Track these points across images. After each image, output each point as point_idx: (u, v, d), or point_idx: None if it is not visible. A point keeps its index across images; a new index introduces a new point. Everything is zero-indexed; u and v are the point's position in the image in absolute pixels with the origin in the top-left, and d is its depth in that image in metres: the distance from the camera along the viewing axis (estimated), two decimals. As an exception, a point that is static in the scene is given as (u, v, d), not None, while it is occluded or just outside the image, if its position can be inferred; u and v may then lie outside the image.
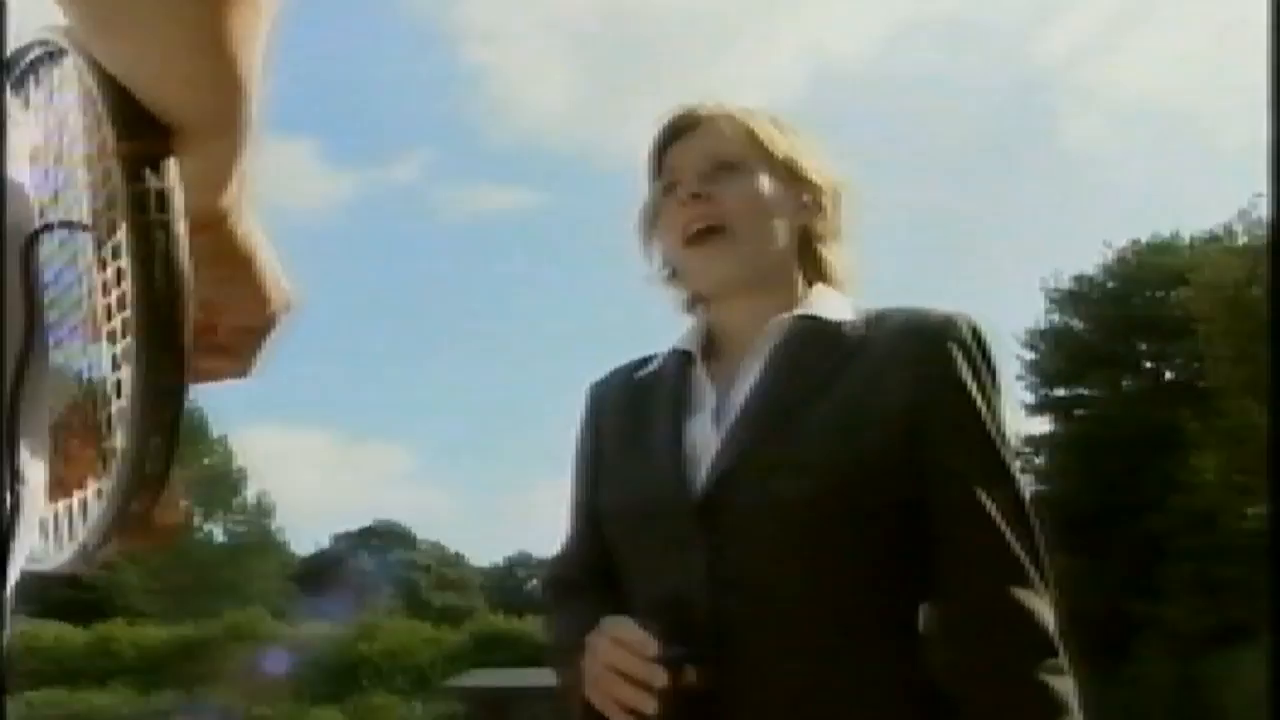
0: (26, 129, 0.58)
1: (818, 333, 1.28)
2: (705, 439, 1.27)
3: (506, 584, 48.69)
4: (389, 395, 67.34)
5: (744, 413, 1.25)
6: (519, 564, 50.70)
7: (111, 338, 0.54)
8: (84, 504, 0.56)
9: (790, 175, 1.33)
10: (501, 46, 66.70)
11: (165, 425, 0.52)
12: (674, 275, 1.41)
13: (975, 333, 1.25)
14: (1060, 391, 27.12)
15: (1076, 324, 27.09)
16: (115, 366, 0.53)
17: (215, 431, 37.68)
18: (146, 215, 0.51)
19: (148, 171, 0.51)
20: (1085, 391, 26.87)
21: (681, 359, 1.36)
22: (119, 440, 0.53)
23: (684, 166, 1.33)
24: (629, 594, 1.29)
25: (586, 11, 67.60)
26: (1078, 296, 27.10)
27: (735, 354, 1.33)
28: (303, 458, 65.54)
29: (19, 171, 0.57)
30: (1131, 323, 25.84)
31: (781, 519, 1.18)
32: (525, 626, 28.41)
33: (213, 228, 0.61)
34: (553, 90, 68.29)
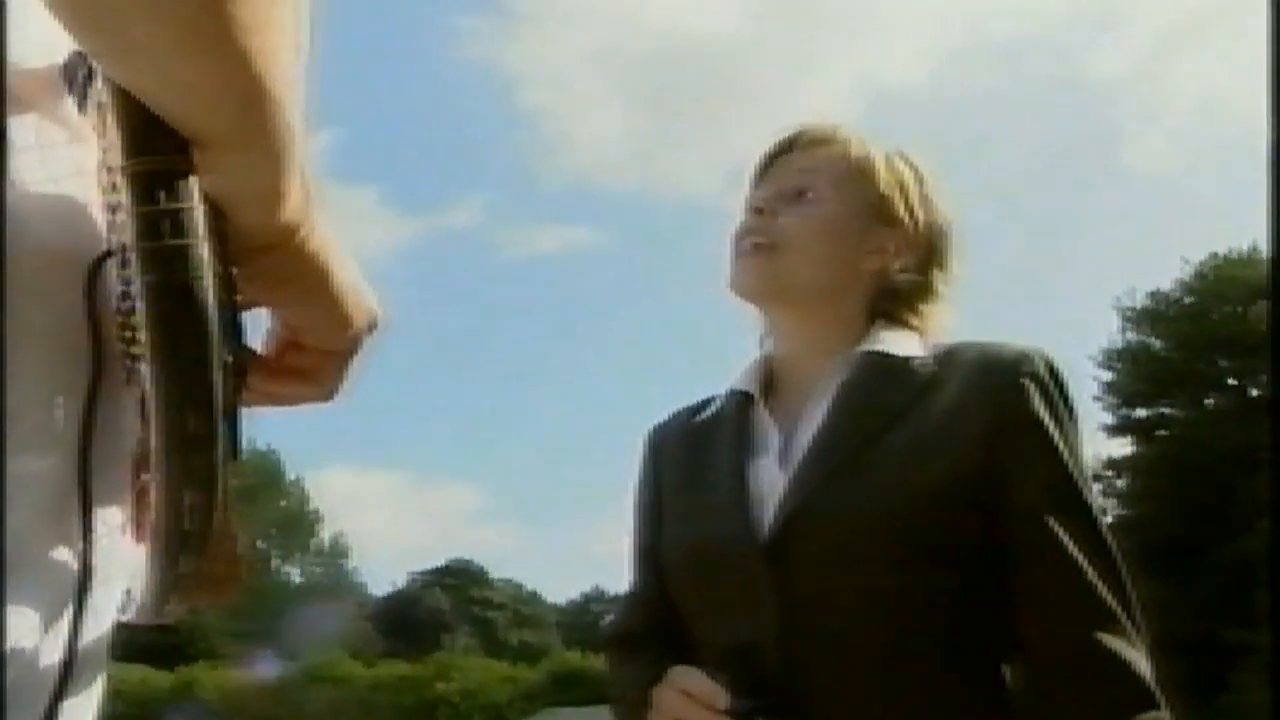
0: (91, 143, 0.51)
1: (886, 369, 1.23)
2: (771, 480, 1.22)
3: (582, 620, 48.56)
4: (458, 435, 67.98)
5: (811, 452, 1.20)
6: (594, 600, 50.58)
7: (133, 378, 0.49)
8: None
9: (877, 216, 1.28)
10: (557, 88, 67.44)
11: (199, 478, 0.46)
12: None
13: (1051, 368, 1.19)
14: (1140, 412, 26.54)
15: (1155, 342, 26.50)
16: (142, 414, 0.48)
17: (290, 474, 38.28)
18: (159, 240, 0.45)
19: (161, 192, 0.45)
20: (1166, 411, 26.24)
21: (741, 399, 1.31)
22: (153, 497, 0.48)
23: (772, 183, 1.31)
24: (696, 643, 1.24)
25: (639, 50, 68.06)
26: (1154, 314, 26.52)
27: (798, 392, 1.28)
28: (375, 499, 66.26)
29: (85, 189, 0.51)
30: (1213, 339, 25.18)
31: (854, 562, 1.13)
32: (601, 664, 28.20)
33: (279, 247, 0.54)
34: (609, 129, 68.81)
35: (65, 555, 0.49)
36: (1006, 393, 1.17)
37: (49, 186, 0.50)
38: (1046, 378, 1.18)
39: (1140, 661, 1.10)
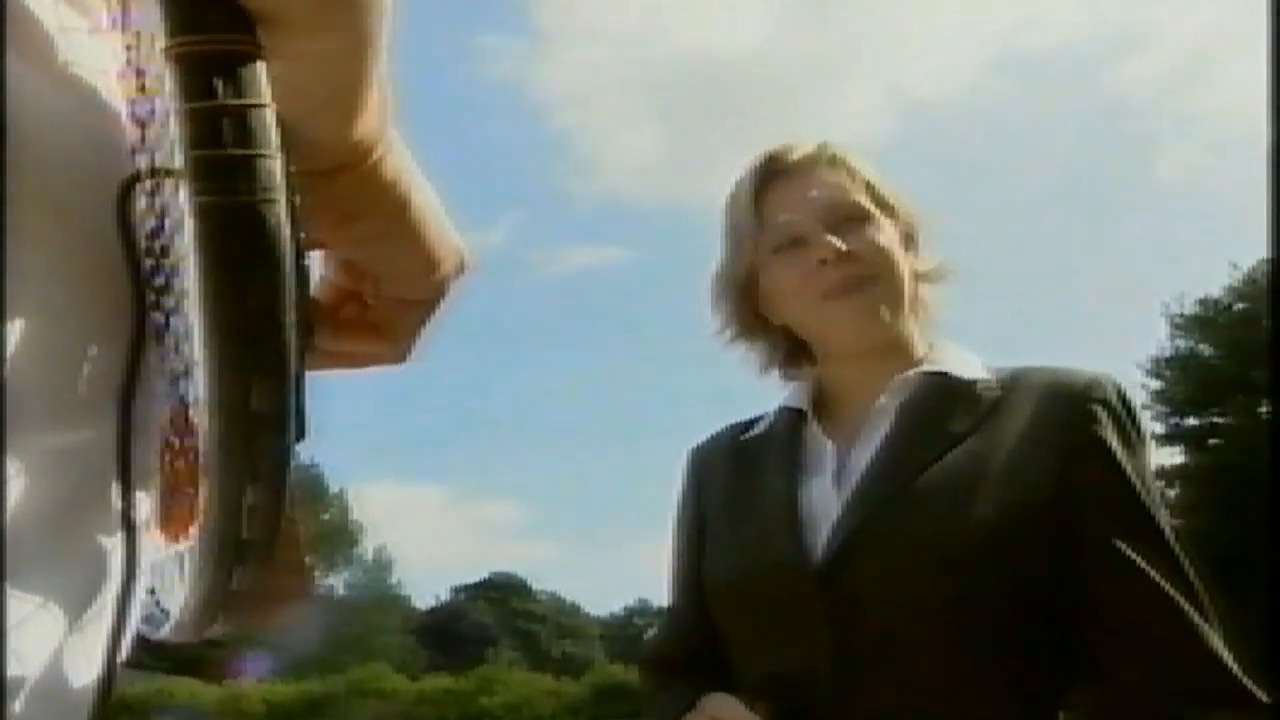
0: (112, 38, 0.41)
1: (949, 391, 1.18)
2: (825, 503, 1.16)
3: (625, 633, 48.50)
4: (498, 450, 68.24)
5: (869, 474, 1.14)
6: (638, 613, 50.49)
7: (162, 336, 0.40)
8: (182, 562, 0.42)
9: (894, 216, 1.24)
10: (587, 107, 67.75)
11: (264, 471, 0.37)
12: (756, 335, 1.30)
13: (1121, 395, 1.14)
14: (1192, 421, 26.10)
15: (1205, 349, 26.06)
16: (174, 381, 0.39)
17: (333, 486, 38.53)
18: (219, 147, 0.34)
19: (220, 81, 0.34)
20: (1219, 420, 25.78)
21: (793, 418, 1.25)
22: (203, 496, 0.38)
23: (800, 216, 1.21)
24: (738, 673, 1.18)
25: (669, 67, 68.21)
26: (1204, 320, 26.10)
27: (854, 411, 1.22)
28: (418, 513, 66.59)
29: (106, 94, 0.41)
30: (1265, 345, 24.72)
31: (912, 589, 1.06)
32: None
33: (348, 169, 0.44)
34: (639, 148, 69.04)
35: (97, 551, 0.39)
36: (1077, 420, 1.12)
37: (71, 85, 0.40)
38: (1117, 404, 1.14)
39: (1235, 684, 1.03)
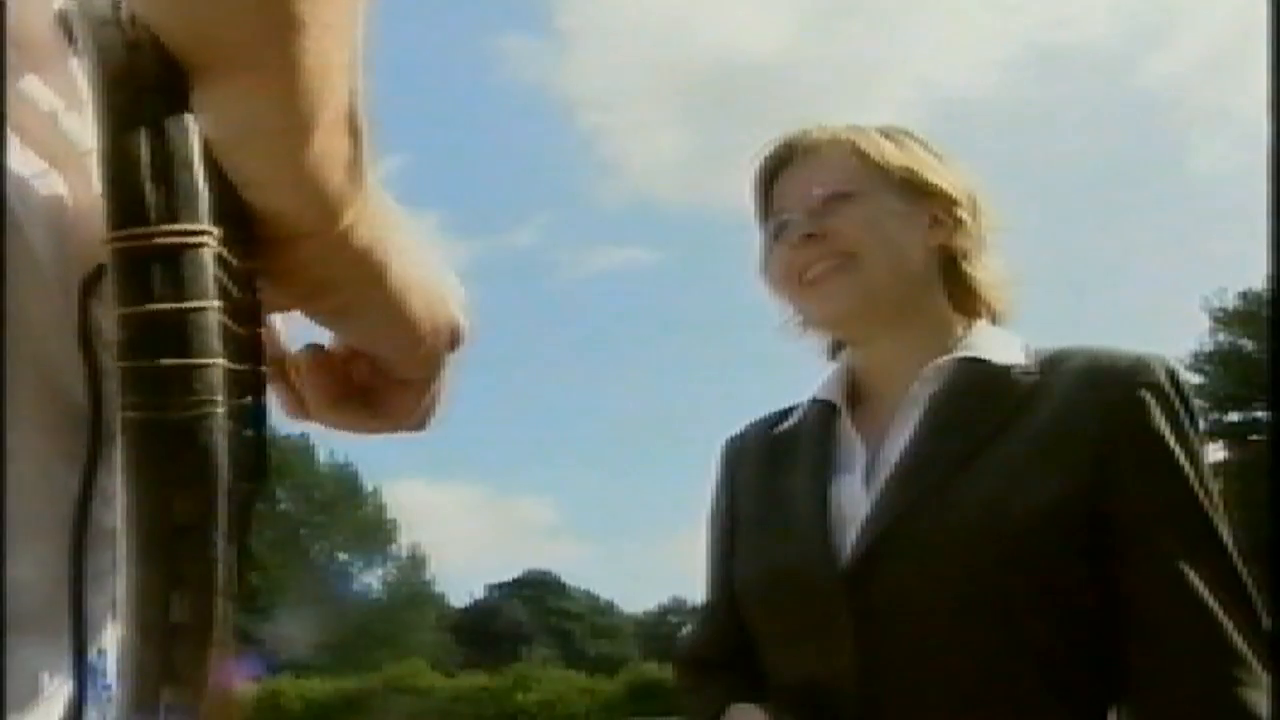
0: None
1: (983, 378, 1.11)
2: (854, 501, 1.11)
3: (660, 631, 48.46)
4: (531, 449, 68.47)
5: (899, 471, 1.09)
6: (672, 610, 50.46)
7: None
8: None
9: (913, 190, 1.17)
10: (612, 108, 67.64)
11: (185, 678, 0.33)
12: (806, 322, 1.27)
13: (1172, 376, 1.07)
14: (1233, 416, 25.75)
15: (1247, 343, 25.69)
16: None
17: (368, 485, 38.74)
18: (149, 357, 0.32)
19: (155, 280, 0.32)
20: (1261, 415, 25.40)
21: (824, 410, 1.21)
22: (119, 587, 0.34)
23: (792, 204, 1.19)
24: (770, 676, 1.15)
25: (694, 67, 67.87)
26: (1246, 314, 25.72)
27: (886, 403, 1.17)
28: (452, 511, 66.91)
29: (85, 171, 0.38)
30: (1308, 340, 24.37)
31: (943, 593, 1.02)
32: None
33: (315, 236, 0.39)
34: (665, 148, 68.77)
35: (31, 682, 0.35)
36: (1121, 407, 1.05)
37: (39, 179, 0.37)
38: (1168, 388, 1.06)
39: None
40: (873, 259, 1.14)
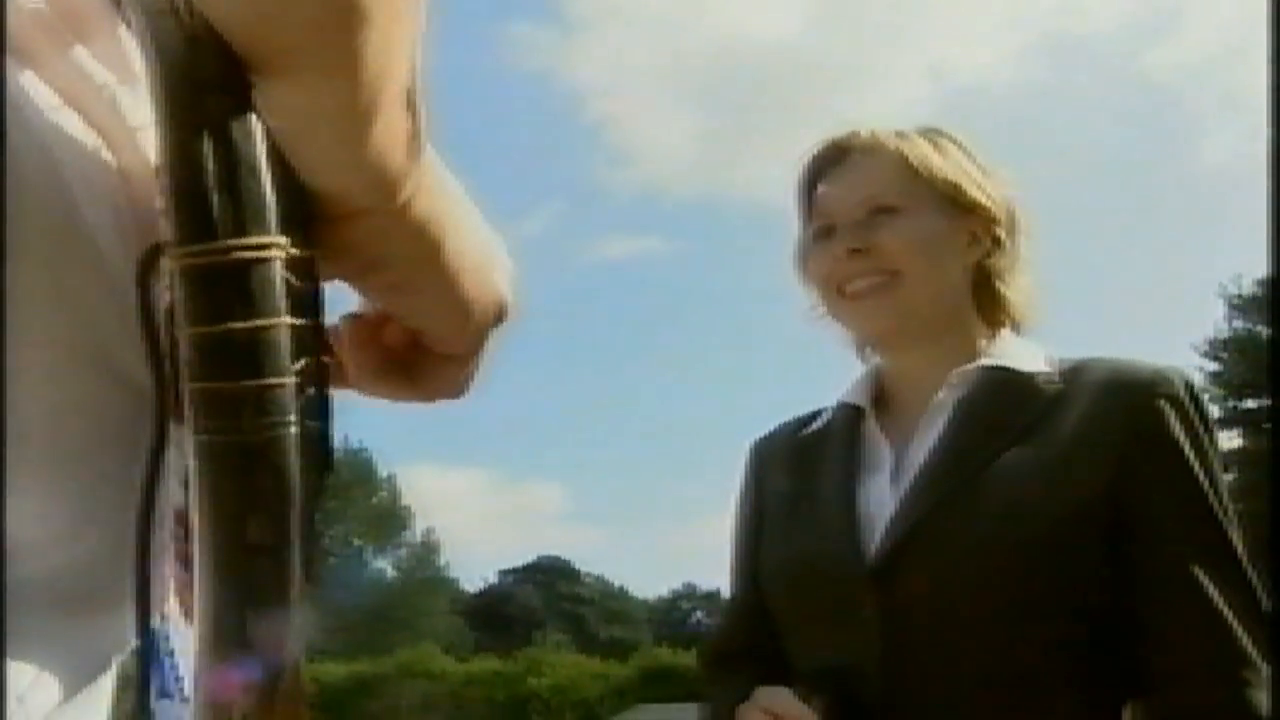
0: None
1: (1007, 386, 1.14)
2: (880, 500, 1.14)
3: (672, 617, 48.65)
4: (544, 436, 68.69)
5: (924, 472, 1.12)
6: (684, 596, 50.62)
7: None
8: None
9: (956, 207, 1.19)
10: (622, 97, 67.50)
11: (260, 588, 0.33)
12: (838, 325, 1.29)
13: (1189, 388, 1.11)
14: (1249, 403, 25.64)
15: (1264, 330, 25.56)
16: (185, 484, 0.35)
17: (383, 470, 38.92)
18: (223, 380, 0.31)
19: (226, 299, 0.31)
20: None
21: (851, 413, 1.24)
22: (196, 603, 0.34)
23: (838, 211, 1.20)
24: (793, 665, 1.18)
25: (704, 55, 67.71)
26: (1263, 301, 25.58)
27: (912, 407, 1.20)
28: (465, 497, 67.18)
29: (141, 148, 0.38)
30: (1325, 327, 24.24)
31: (964, 591, 1.05)
32: (691, 660, 28.25)
33: (369, 214, 0.39)
34: (675, 137, 68.65)
35: (100, 645, 0.37)
36: (1141, 415, 1.08)
37: (96, 157, 0.37)
38: (1185, 399, 1.09)
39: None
40: (915, 278, 1.16)
